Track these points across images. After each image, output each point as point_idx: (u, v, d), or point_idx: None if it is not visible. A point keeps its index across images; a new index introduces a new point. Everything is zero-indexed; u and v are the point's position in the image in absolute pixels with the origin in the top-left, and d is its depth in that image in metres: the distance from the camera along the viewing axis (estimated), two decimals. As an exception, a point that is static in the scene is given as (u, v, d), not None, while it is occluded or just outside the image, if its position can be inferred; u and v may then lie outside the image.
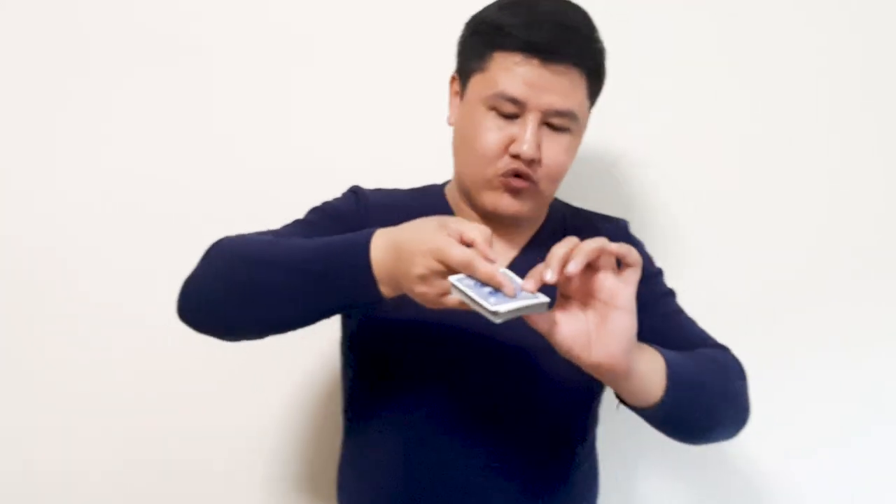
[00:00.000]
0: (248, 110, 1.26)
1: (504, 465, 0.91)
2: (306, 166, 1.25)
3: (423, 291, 0.73)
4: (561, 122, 0.89)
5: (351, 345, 0.99)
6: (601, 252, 0.72)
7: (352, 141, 1.27)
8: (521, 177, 0.89)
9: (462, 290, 0.69)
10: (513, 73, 0.86)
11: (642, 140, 1.30)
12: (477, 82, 0.90)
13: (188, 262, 0.84)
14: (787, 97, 1.30)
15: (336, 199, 1.00)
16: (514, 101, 0.87)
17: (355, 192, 1.00)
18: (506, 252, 0.97)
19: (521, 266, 0.88)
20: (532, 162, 0.88)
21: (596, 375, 0.76)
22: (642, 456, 1.33)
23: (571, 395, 0.93)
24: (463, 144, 0.92)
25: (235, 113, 1.25)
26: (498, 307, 0.67)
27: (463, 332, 0.90)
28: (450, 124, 0.96)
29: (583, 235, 0.93)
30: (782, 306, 1.31)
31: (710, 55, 1.30)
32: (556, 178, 0.91)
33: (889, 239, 1.32)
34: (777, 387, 1.30)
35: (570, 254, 0.71)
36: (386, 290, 0.76)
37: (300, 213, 0.97)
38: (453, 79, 0.96)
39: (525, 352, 0.90)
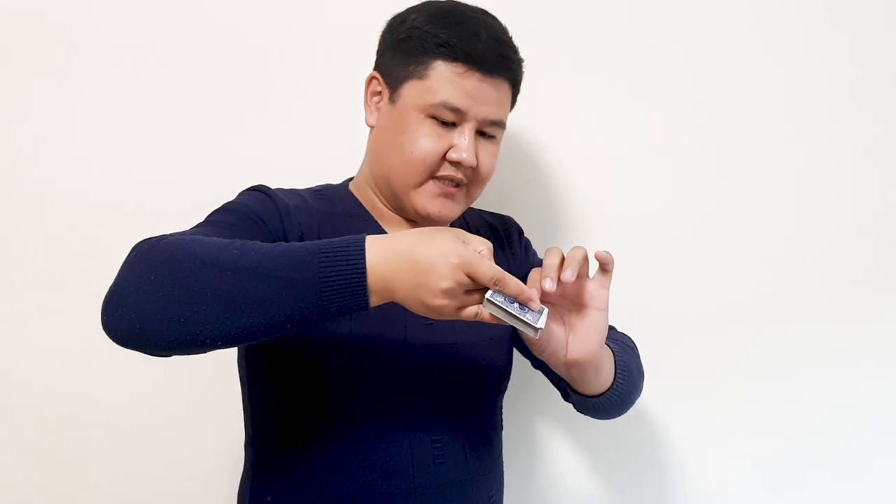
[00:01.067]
0: (251, 109, 1.26)
1: (445, 454, 0.92)
2: (308, 166, 1.24)
3: (443, 304, 0.72)
4: (492, 131, 0.94)
5: (272, 362, 0.91)
6: (587, 259, 0.81)
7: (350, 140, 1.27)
8: (457, 182, 0.93)
9: (499, 306, 0.72)
10: (456, 84, 0.89)
11: (632, 142, 1.30)
12: (413, 89, 0.91)
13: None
14: (783, 101, 1.29)
15: (247, 200, 0.89)
16: (455, 110, 0.89)
17: (265, 192, 0.91)
18: None
19: None
20: (468, 168, 0.92)
21: (567, 370, 0.85)
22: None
23: (493, 379, 0.99)
24: (392, 149, 0.93)
25: (240, 112, 1.25)
26: (538, 323, 0.73)
27: (388, 337, 0.90)
28: (369, 125, 0.97)
29: (484, 230, 1.07)
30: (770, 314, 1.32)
31: (702, 55, 1.29)
32: (484, 182, 0.96)
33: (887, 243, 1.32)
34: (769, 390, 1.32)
35: (562, 264, 0.79)
36: (374, 300, 0.72)
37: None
38: (372, 79, 0.97)
39: (454, 346, 0.93)
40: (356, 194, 1.00)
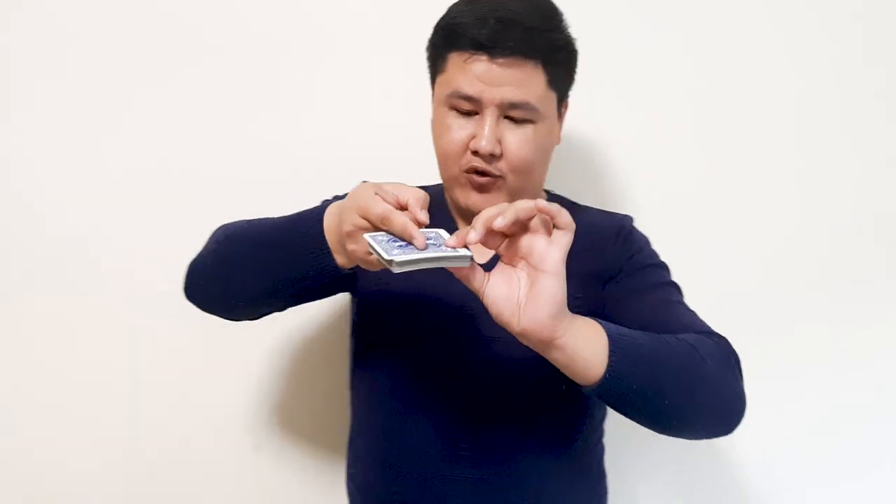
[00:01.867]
0: (270, 105, 1.27)
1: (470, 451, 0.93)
2: (311, 166, 1.27)
3: (353, 249, 0.78)
4: (520, 115, 0.90)
5: (352, 320, 1.04)
6: (534, 211, 0.72)
7: (366, 137, 1.28)
8: (484, 173, 0.91)
9: (370, 243, 0.73)
10: (465, 71, 0.89)
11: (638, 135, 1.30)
12: (439, 83, 0.95)
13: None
14: (783, 100, 1.30)
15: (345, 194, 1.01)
16: (469, 98, 0.90)
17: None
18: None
19: None
20: (492, 157, 0.90)
21: (528, 346, 0.75)
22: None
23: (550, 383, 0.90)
24: (434, 144, 0.96)
25: (248, 110, 1.27)
26: (397, 257, 0.70)
27: (450, 307, 0.92)
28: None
29: (582, 229, 0.92)
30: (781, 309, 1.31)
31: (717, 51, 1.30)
32: (524, 170, 0.93)
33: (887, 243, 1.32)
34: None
35: (499, 214, 0.72)
36: (340, 260, 0.81)
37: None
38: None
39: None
40: (446, 192, 1.02)
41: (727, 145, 1.30)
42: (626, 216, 1.05)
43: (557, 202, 0.98)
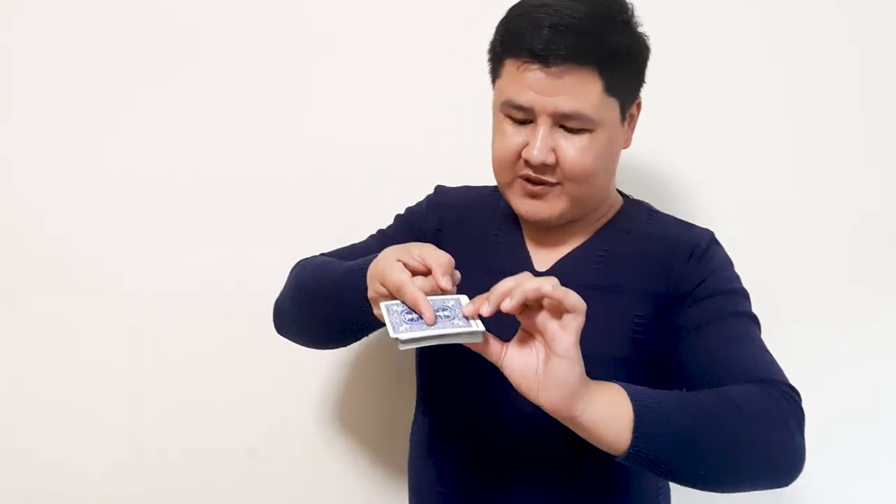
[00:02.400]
0: (260, 108, 1.26)
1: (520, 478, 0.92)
2: (313, 167, 1.26)
3: (378, 314, 0.79)
4: (574, 124, 0.87)
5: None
6: (540, 293, 0.70)
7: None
8: (538, 182, 0.89)
9: (384, 315, 0.74)
10: (518, 80, 0.87)
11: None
12: (496, 89, 0.93)
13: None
14: (783, 100, 1.28)
15: (418, 203, 1.08)
16: (521, 108, 0.87)
17: (434, 191, 1.08)
18: (556, 251, 0.96)
19: (565, 269, 0.92)
20: (545, 166, 0.88)
21: None
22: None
23: None
24: (491, 150, 0.94)
25: (248, 110, 1.25)
26: (403, 334, 0.71)
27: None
28: None
29: (651, 241, 0.95)
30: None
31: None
32: (582, 179, 0.89)
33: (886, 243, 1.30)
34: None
35: (512, 290, 0.70)
36: (377, 312, 0.81)
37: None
38: None
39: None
40: None
41: (725, 144, 1.28)
42: (705, 230, 0.96)
43: (634, 209, 0.99)
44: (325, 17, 1.24)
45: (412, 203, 1.09)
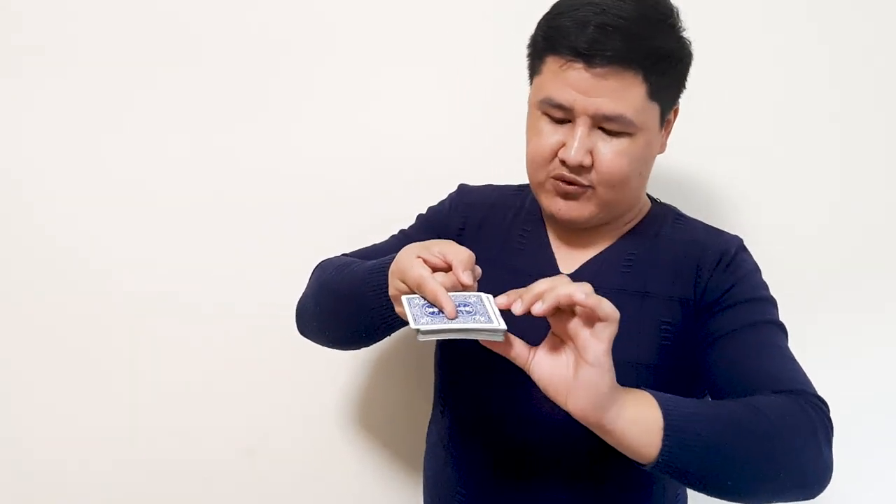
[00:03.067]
0: (257, 109, 1.24)
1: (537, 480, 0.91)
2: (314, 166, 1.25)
3: (400, 311, 0.79)
4: (614, 127, 0.85)
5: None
6: (572, 301, 0.68)
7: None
8: (572, 182, 0.88)
9: (406, 308, 0.74)
10: (560, 78, 0.85)
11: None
12: (534, 85, 0.90)
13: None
14: (783, 99, 1.28)
15: (440, 202, 1.07)
16: (560, 107, 0.85)
17: (457, 190, 1.07)
18: (583, 254, 0.95)
19: (590, 271, 0.91)
20: (581, 168, 0.86)
21: None
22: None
23: None
24: (526, 147, 0.93)
25: (244, 112, 1.24)
26: (423, 326, 0.70)
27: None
28: None
29: (679, 247, 0.94)
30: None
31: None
32: (616, 184, 0.87)
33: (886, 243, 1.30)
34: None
35: (544, 293, 0.69)
36: (398, 308, 0.80)
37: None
38: None
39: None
40: None
41: (723, 143, 1.28)
42: (734, 237, 0.95)
43: (663, 213, 0.98)
44: (328, 18, 1.23)
45: (433, 202, 1.08)
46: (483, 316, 0.72)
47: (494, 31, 1.16)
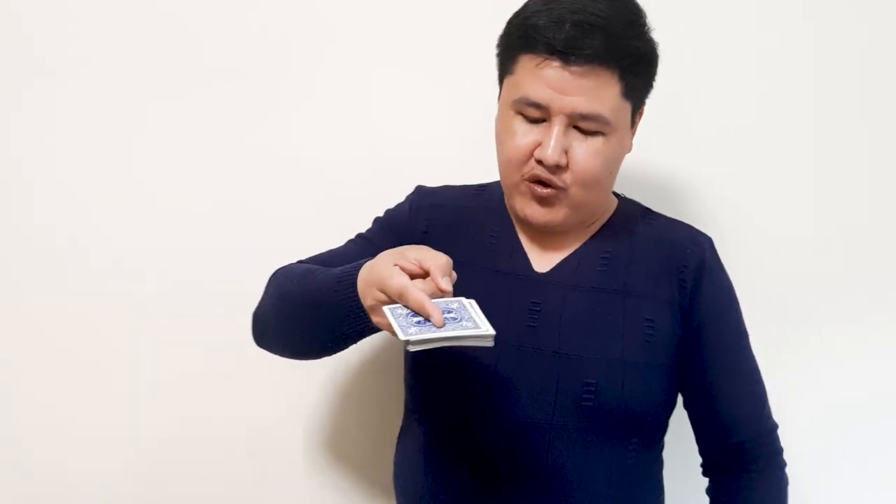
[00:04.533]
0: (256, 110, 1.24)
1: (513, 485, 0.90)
2: (313, 167, 1.24)
3: (378, 321, 0.77)
4: (590, 126, 0.85)
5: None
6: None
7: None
8: (547, 184, 0.87)
9: (390, 320, 0.71)
10: (535, 76, 0.84)
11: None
12: (507, 85, 0.89)
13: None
14: (783, 100, 1.28)
15: (398, 205, 1.03)
16: (537, 106, 0.85)
17: (416, 192, 1.03)
18: (556, 254, 0.94)
19: (566, 272, 0.90)
20: (557, 168, 0.85)
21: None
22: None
23: (604, 405, 0.89)
24: (497, 148, 0.92)
25: (243, 112, 1.24)
26: (413, 336, 0.69)
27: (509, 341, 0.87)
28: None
29: (656, 245, 0.94)
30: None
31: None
32: (589, 184, 0.87)
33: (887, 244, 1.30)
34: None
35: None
36: (377, 319, 0.78)
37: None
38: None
39: (556, 356, 0.88)
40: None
41: (722, 144, 1.28)
42: (705, 236, 0.98)
43: (631, 208, 0.98)
44: (326, 17, 1.23)
45: None
46: (469, 321, 0.72)
47: (495, 32, 1.16)
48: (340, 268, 0.83)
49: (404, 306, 0.72)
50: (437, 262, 0.74)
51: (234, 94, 1.22)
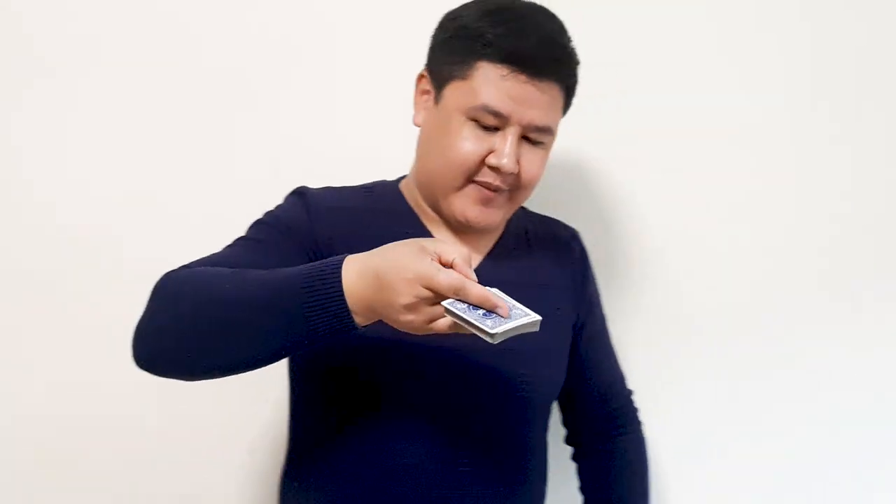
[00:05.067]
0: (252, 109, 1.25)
1: (470, 467, 0.90)
2: (311, 167, 1.24)
3: (410, 319, 0.71)
4: (538, 137, 0.89)
5: (307, 363, 0.93)
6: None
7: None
8: (496, 189, 0.89)
9: (457, 314, 0.69)
10: (498, 86, 0.85)
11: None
12: (456, 89, 0.88)
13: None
14: (782, 101, 1.28)
15: (281, 209, 0.93)
16: (496, 114, 0.86)
17: (301, 194, 0.93)
18: (474, 255, 0.95)
19: (486, 271, 0.89)
20: (509, 175, 0.88)
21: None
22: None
23: (518, 393, 0.93)
24: (434, 151, 0.91)
25: (241, 112, 1.24)
26: (495, 329, 0.68)
27: (413, 338, 0.84)
28: (416, 124, 0.95)
29: (544, 240, 1.03)
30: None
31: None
32: (529, 190, 0.93)
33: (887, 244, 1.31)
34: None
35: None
36: (360, 320, 0.73)
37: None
38: (422, 77, 0.94)
39: (479, 354, 0.88)
40: (405, 192, 0.98)
41: (722, 145, 1.28)
42: (573, 228, 1.08)
43: (519, 212, 1.02)
44: (326, 17, 1.23)
45: None
46: (516, 309, 0.72)
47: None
48: (306, 266, 0.74)
49: (461, 301, 0.69)
50: (460, 253, 0.72)
51: (233, 95, 1.23)
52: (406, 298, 0.70)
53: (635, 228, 1.29)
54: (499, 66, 0.85)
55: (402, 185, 1.00)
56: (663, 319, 1.29)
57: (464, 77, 0.87)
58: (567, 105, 0.93)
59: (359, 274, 0.72)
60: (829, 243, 1.30)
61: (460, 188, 0.90)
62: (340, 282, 0.71)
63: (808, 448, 1.31)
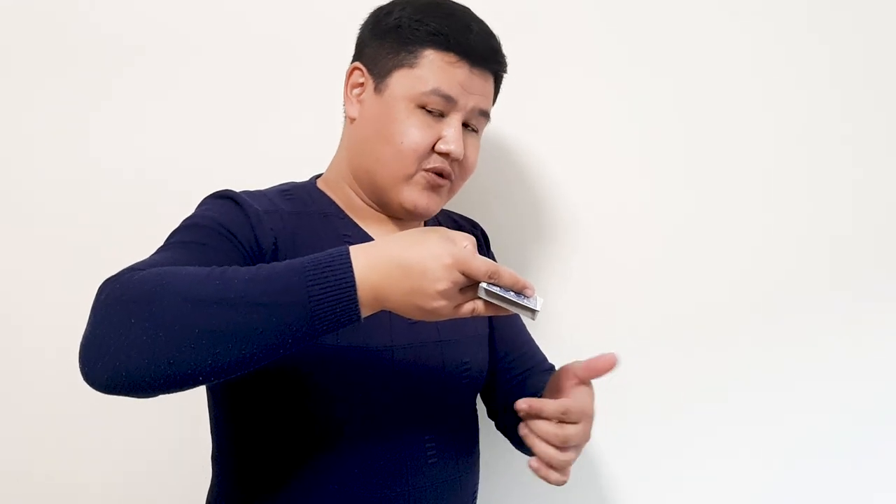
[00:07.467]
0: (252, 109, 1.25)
1: (436, 453, 0.91)
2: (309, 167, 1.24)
3: (442, 305, 0.71)
4: (477, 123, 0.94)
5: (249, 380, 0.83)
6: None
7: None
8: (443, 175, 0.92)
9: (498, 295, 0.73)
10: (447, 72, 0.89)
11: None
12: (402, 78, 0.90)
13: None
14: (782, 102, 1.28)
15: (214, 212, 0.84)
16: (447, 98, 0.89)
17: (231, 198, 0.86)
18: None
19: None
20: (455, 161, 0.91)
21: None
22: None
23: (475, 376, 0.98)
24: (379, 140, 0.90)
25: (239, 111, 1.25)
26: (537, 306, 0.74)
27: (374, 339, 0.87)
28: (351, 117, 0.94)
29: (452, 227, 1.05)
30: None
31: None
32: (468, 178, 0.96)
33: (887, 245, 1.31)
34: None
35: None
36: (365, 311, 0.71)
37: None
38: (354, 70, 0.94)
39: (438, 344, 0.93)
40: (328, 192, 0.96)
41: (722, 147, 1.29)
42: (471, 219, 1.13)
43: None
44: (326, 16, 1.24)
45: None
46: (521, 296, 0.75)
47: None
48: (299, 260, 0.70)
49: (493, 283, 0.73)
50: (471, 241, 0.74)
51: (234, 95, 1.24)
52: (443, 284, 0.70)
53: (614, 231, 1.29)
54: (447, 53, 0.89)
55: (321, 184, 0.97)
56: (661, 318, 1.29)
57: (411, 65, 0.89)
58: (495, 95, 0.98)
59: (370, 266, 0.70)
60: (831, 243, 1.30)
61: (411, 177, 0.91)
62: (352, 273, 0.69)
63: (807, 448, 1.30)
